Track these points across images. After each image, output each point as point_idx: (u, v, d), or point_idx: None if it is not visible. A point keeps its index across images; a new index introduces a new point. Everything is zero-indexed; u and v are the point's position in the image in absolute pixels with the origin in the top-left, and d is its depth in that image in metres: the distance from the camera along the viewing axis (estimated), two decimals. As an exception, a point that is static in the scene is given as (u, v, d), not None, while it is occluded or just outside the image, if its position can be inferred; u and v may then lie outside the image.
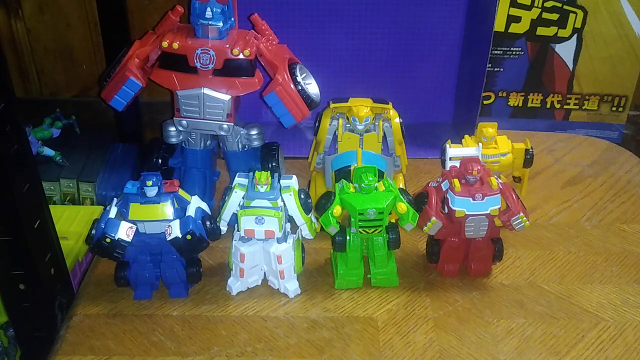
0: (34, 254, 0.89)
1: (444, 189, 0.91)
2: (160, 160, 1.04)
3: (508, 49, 1.39)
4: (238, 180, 0.89)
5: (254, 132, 1.03)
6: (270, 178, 0.87)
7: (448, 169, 0.96)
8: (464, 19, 1.27)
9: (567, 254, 1.02)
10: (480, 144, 1.02)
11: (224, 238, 0.92)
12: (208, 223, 0.88)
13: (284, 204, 0.88)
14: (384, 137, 1.04)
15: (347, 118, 1.02)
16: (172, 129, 1.01)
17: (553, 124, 1.48)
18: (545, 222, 1.09)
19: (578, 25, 1.36)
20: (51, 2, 1.41)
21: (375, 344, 0.85)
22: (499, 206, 0.89)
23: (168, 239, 0.85)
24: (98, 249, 0.86)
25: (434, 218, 0.89)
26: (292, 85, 0.96)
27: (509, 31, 1.37)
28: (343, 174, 0.99)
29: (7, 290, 0.93)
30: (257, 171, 0.87)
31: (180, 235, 0.85)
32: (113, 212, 0.87)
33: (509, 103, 1.45)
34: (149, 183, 0.84)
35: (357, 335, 0.87)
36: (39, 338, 0.96)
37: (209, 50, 0.93)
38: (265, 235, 0.88)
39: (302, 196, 0.90)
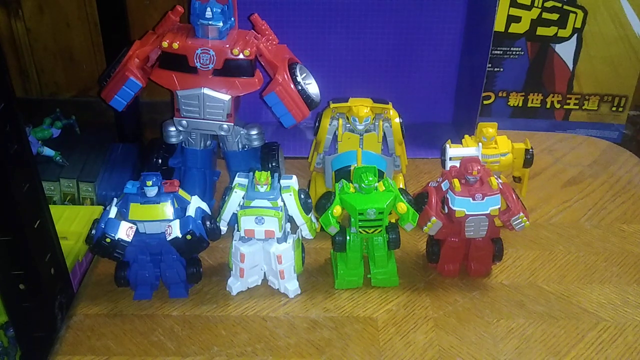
0: (34, 254, 0.89)
1: (444, 189, 0.91)
2: (160, 160, 1.04)
3: (508, 49, 1.39)
4: (238, 180, 0.89)
5: (254, 132, 1.03)
6: (270, 178, 0.87)
7: (448, 169, 0.96)
8: (464, 19, 1.27)
9: (567, 254, 1.02)
10: (480, 144, 1.02)
11: (224, 238, 0.92)
12: (208, 223, 0.88)
13: (284, 204, 0.88)
14: (384, 137, 1.04)
15: (347, 118, 1.02)
16: (172, 129, 1.01)
17: (553, 124, 1.48)
18: (545, 222, 1.09)
19: (578, 25, 1.36)
20: (51, 2, 1.41)
21: (375, 344, 0.85)
22: (499, 206, 0.89)
23: (168, 239, 0.85)
24: (98, 249, 0.86)
25: (434, 218, 0.89)
26: (292, 85, 0.96)
27: (509, 31, 1.37)
28: (343, 174, 0.99)
29: (7, 290, 0.93)
30: (257, 171, 0.87)
31: (180, 235, 0.85)
32: (113, 212, 0.87)
33: (509, 103, 1.45)
34: (149, 183, 0.84)
35: (357, 335, 0.87)
36: (39, 338, 0.96)
37: (209, 50, 0.93)
38: (265, 235, 0.88)
39: (302, 196, 0.90)
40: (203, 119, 0.97)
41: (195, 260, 0.92)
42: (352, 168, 0.95)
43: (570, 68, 1.41)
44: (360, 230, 0.89)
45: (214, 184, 1.09)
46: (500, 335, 0.87)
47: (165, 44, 0.93)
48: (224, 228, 0.91)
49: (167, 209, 0.86)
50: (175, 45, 0.93)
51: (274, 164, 1.04)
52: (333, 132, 1.04)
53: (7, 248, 0.87)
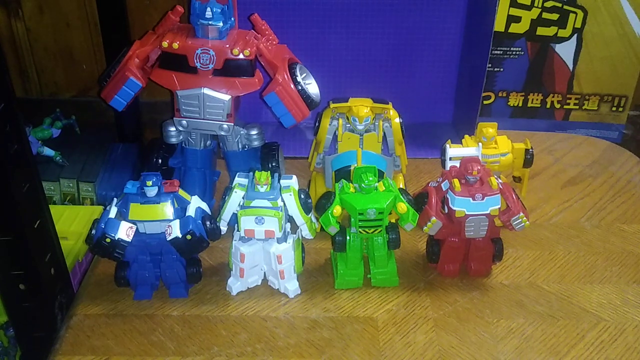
0: (34, 254, 0.90)
1: (444, 189, 0.91)
2: (160, 160, 1.04)
3: (508, 49, 1.39)
4: (238, 180, 0.89)
5: (254, 132, 1.03)
6: (270, 178, 0.87)
7: (448, 169, 0.96)
8: (464, 19, 1.27)
9: (567, 254, 1.02)
10: (480, 144, 1.02)
11: (224, 238, 0.92)
12: (208, 223, 0.88)
13: (284, 204, 0.88)
14: (384, 137, 1.04)
15: (347, 118, 1.02)
16: (172, 129, 1.01)
17: (553, 124, 1.48)
18: (545, 222, 1.09)
19: (578, 25, 1.36)
20: (51, 2, 1.41)
21: (375, 344, 0.85)
22: (499, 206, 0.89)
23: (168, 239, 0.85)
24: (98, 249, 0.86)
25: (434, 218, 0.89)
26: (292, 85, 0.96)
27: (509, 31, 1.37)
28: (343, 174, 0.99)
29: (7, 290, 0.93)
30: (257, 171, 0.87)
31: (180, 235, 0.85)
32: (113, 212, 0.87)
33: (509, 103, 1.45)
34: (149, 183, 0.84)
35: (357, 335, 0.87)
36: (39, 338, 0.96)
37: (209, 50, 0.93)
38: (265, 235, 0.88)
39: (302, 196, 0.90)
40: (203, 119, 0.97)
41: (195, 260, 0.92)
42: (352, 168, 0.95)
43: (570, 68, 1.41)
44: (360, 230, 0.89)
45: (214, 184, 1.09)
46: (500, 335, 0.87)
47: (165, 44, 0.93)
48: (224, 228, 0.91)
49: (167, 209, 0.86)
50: (175, 45, 0.93)
51: (274, 164, 1.04)
52: (333, 132, 1.04)
53: (7, 248, 0.87)
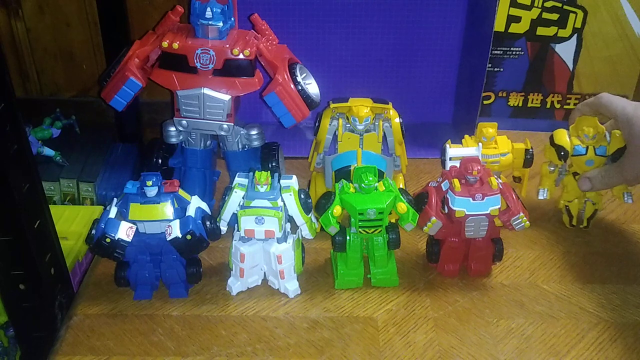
0: (34, 254, 0.90)
1: (444, 189, 0.91)
2: (160, 160, 1.05)
3: (508, 49, 1.39)
4: (238, 180, 0.89)
5: (254, 132, 1.04)
6: (270, 178, 0.87)
7: (448, 169, 0.96)
8: (464, 19, 1.27)
9: (567, 254, 1.02)
10: (480, 144, 1.02)
11: (224, 238, 0.92)
12: (208, 223, 0.88)
13: (284, 204, 0.88)
14: (384, 137, 1.04)
15: (347, 118, 1.02)
16: (172, 129, 1.01)
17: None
18: (545, 222, 1.09)
19: (578, 25, 1.36)
20: (51, 2, 1.41)
21: (375, 344, 0.85)
22: (499, 206, 0.89)
23: (168, 239, 0.85)
24: (98, 249, 0.86)
25: (434, 218, 0.89)
26: (292, 85, 0.97)
27: (509, 31, 1.37)
28: (343, 174, 0.99)
29: (7, 290, 0.93)
30: (257, 171, 0.87)
31: (180, 235, 0.85)
32: (113, 212, 0.87)
33: (509, 103, 1.45)
34: (149, 183, 0.84)
35: (357, 335, 0.87)
36: (39, 338, 0.96)
37: (209, 50, 0.93)
38: (265, 235, 0.88)
39: (302, 196, 0.90)
40: (203, 119, 0.97)
41: (195, 260, 0.92)
42: (352, 168, 0.95)
43: (570, 68, 1.41)
44: (360, 230, 0.89)
45: (214, 184, 1.09)
46: (500, 335, 0.87)
47: (165, 44, 0.93)
48: (224, 228, 0.91)
49: (167, 209, 0.86)
50: (175, 45, 0.93)
51: (274, 164, 1.04)
52: (333, 132, 1.04)
53: (7, 248, 0.87)
